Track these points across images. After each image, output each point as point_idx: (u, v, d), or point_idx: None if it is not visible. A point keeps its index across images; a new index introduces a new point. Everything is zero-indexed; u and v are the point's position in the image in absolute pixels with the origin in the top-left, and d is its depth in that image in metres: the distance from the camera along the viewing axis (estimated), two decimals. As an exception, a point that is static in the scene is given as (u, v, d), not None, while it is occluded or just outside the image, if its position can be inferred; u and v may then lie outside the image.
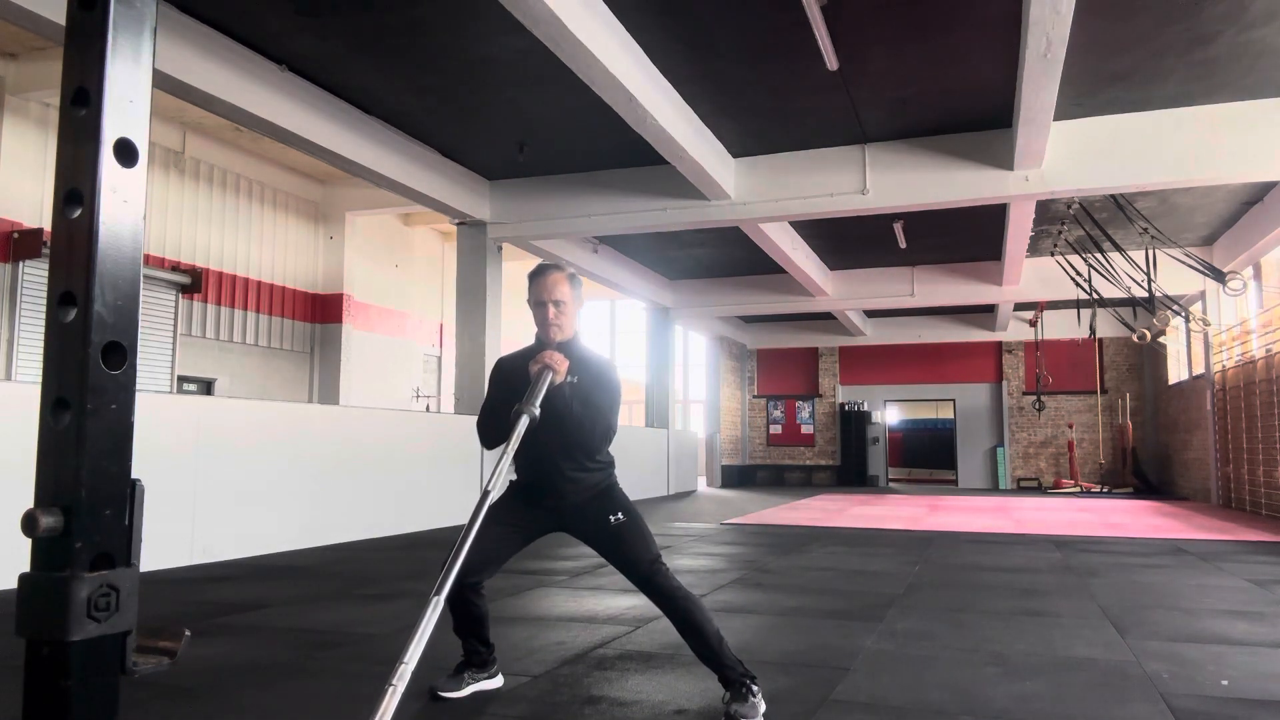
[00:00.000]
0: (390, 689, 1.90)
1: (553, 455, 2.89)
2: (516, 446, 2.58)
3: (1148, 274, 11.31)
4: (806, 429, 21.80)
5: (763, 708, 2.71)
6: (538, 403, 2.64)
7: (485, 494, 2.37)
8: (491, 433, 2.86)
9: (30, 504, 1.14)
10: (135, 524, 1.19)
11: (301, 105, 7.81)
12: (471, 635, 2.97)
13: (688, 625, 2.79)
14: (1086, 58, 7.11)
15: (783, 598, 5.02)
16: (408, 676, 1.93)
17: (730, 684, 2.74)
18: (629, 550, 2.87)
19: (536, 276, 2.97)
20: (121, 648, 1.16)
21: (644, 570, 2.83)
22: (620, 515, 2.90)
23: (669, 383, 16.84)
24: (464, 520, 2.37)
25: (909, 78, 7.69)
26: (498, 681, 3.06)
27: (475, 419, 3.01)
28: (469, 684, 2.98)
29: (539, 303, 2.95)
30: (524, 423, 2.60)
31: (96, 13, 1.18)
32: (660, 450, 15.61)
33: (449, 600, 2.85)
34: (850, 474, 20.83)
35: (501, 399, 2.84)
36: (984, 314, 18.54)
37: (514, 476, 3.03)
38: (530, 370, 2.77)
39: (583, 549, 7.19)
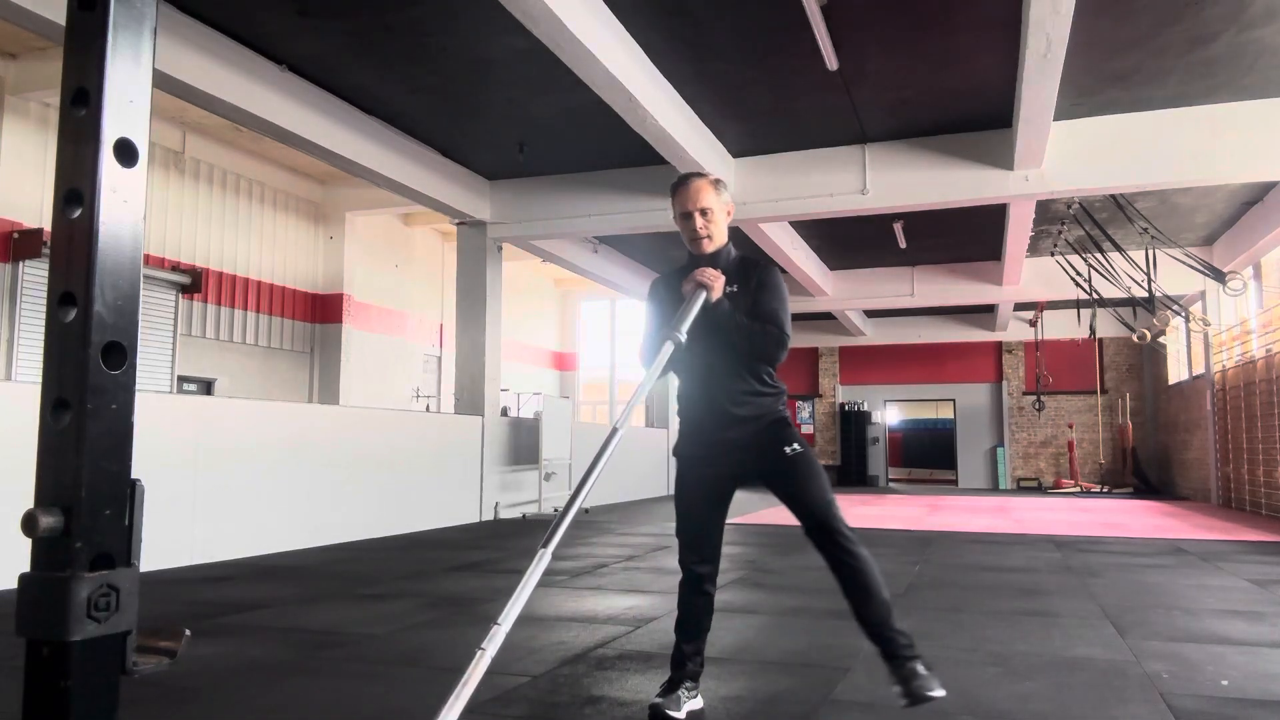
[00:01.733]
0: (480, 652, 1.80)
1: (721, 379, 2.67)
2: (657, 374, 2.43)
3: (1148, 274, 11.31)
4: (806, 429, 21.79)
5: (938, 685, 2.49)
6: (685, 326, 2.47)
7: (614, 431, 2.25)
8: (649, 362, 2.59)
9: (30, 504, 1.14)
10: (135, 524, 1.19)
11: (301, 105, 7.81)
12: (695, 639, 2.74)
13: (855, 585, 2.57)
14: (1086, 58, 7.11)
15: (783, 598, 5.02)
16: (500, 640, 1.83)
17: (894, 658, 2.54)
18: (805, 485, 2.62)
19: (679, 187, 2.77)
20: (121, 648, 1.16)
21: (819, 512, 2.59)
22: (797, 446, 2.66)
23: (669, 383, 16.84)
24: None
25: (909, 78, 7.69)
26: (701, 701, 2.75)
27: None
28: (686, 702, 2.67)
29: (684, 214, 2.75)
30: (668, 349, 2.43)
31: (96, 13, 1.18)
32: (660, 450, 15.60)
33: (680, 600, 2.74)
34: (850, 474, 20.83)
35: (657, 323, 2.68)
36: (984, 314, 18.54)
37: (680, 429, 2.82)
38: (683, 290, 2.60)
39: (581, 549, 7.20)
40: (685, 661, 2.73)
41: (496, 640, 1.82)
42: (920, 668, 2.51)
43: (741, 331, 2.61)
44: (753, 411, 2.70)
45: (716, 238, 2.77)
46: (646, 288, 2.99)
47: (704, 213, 2.74)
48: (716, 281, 2.59)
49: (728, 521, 2.88)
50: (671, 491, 2.95)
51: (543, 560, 1.98)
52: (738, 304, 2.65)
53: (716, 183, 2.78)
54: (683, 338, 2.47)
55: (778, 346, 2.64)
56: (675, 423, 13.16)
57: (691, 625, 2.75)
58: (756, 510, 10.51)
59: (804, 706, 2.89)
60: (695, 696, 2.73)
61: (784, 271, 13.23)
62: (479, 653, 1.79)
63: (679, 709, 2.64)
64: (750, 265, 2.78)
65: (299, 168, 12.78)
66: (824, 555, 2.63)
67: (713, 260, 2.74)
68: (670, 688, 2.69)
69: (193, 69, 6.71)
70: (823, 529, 2.59)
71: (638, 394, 2.39)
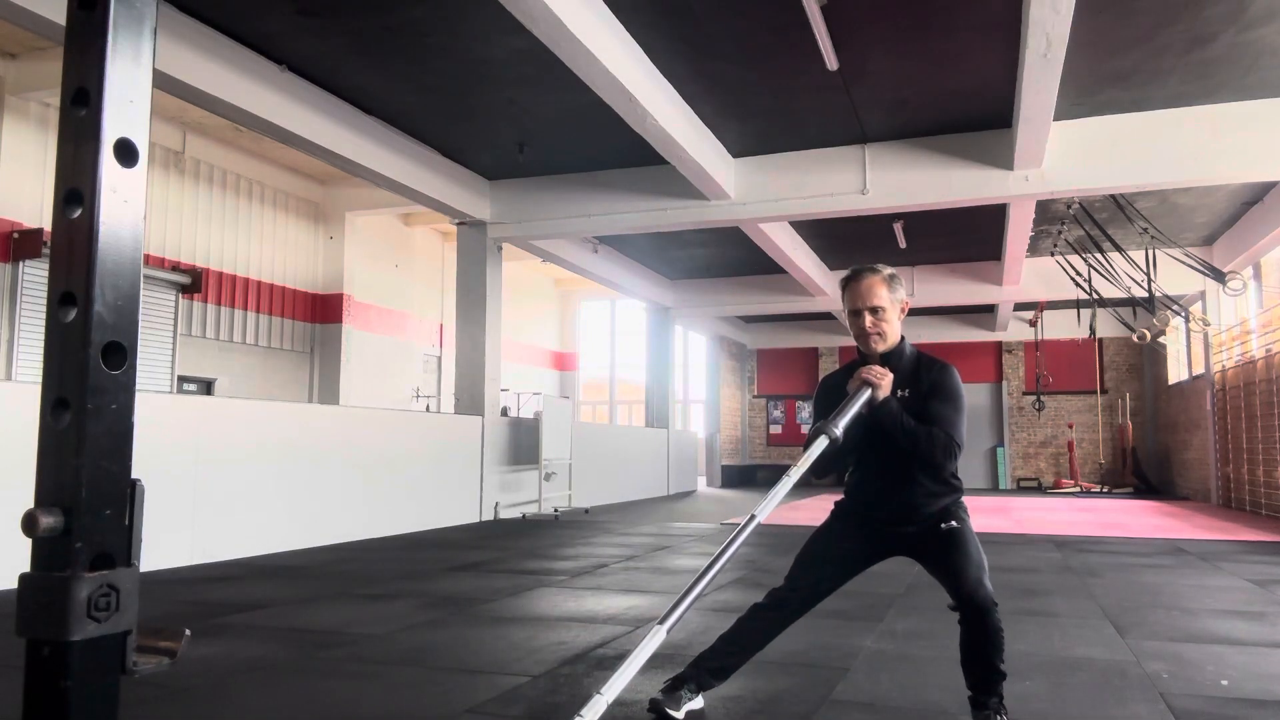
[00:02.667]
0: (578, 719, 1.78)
1: (894, 481, 2.62)
2: (804, 469, 2.36)
3: (1148, 274, 11.30)
4: (807, 429, 21.78)
5: None
6: (843, 422, 2.41)
7: (751, 518, 2.22)
8: (817, 463, 2.51)
9: (30, 504, 1.14)
10: (135, 524, 1.19)
11: (301, 105, 7.81)
12: (743, 653, 2.72)
13: (977, 653, 2.55)
14: (1086, 58, 7.11)
15: (783, 598, 5.01)
16: (601, 709, 1.80)
17: (979, 708, 2.56)
18: (958, 557, 2.56)
19: (850, 282, 2.67)
20: (121, 648, 1.16)
21: (970, 582, 2.53)
22: (954, 523, 2.60)
23: (669, 383, 16.83)
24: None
25: (909, 78, 7.69)
26: (701, 702, 2.77)
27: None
28: (686, 701, 2.67)
29: (854, 311, 2.65)
30: (821, 444, 2.38)
31: (96, 13, 1.18)
32: (660, 450, 15.60)
33: (748, 615, 2.70)
34: (850, 474, 20.80)
35: (820, 417, 2.60)
36: (984, 314, 18.54)
37: (848, 503, 2.81)
38: (848, 387, 2.54)
39: (581, 549, 7.20)
40: (708, 668, 2.71)
41: (598, 710, 1.80)
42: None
43: (907, 434, 2.52)
44: (924, 511, 2.63)
45: (889, 336, 2.66)
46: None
47: (875, 311, 2.63)
48: (884, 380, 2.52)
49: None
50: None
51: (657, 637, 1.94)
52: (909, 407, 2.57)
53: (891, 278, 2.68)
54: (839, 433, 2.40)
55: (945, 455, 2.55)
56: (672, 423, 13.17)
57: (745, 639, 2.71)
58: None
59: (804, 706, 2.89)
60: (696, 698, 2.73)
61: (782, 272, 13.25)
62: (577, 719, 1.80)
63: (679, 708, 2.63)
64: (925, 367, 2.68)
65: (299, 168, 12.78)
66: (967, 621, 2.57)
67: (884, 360, 2.65)
68: (675, 685, 2.68)
69: (193, 69, 6.71)
70: (972, 599, 2.53)
71: (782, 486, 2.30)
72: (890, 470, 2.61)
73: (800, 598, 2.70)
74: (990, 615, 2.51)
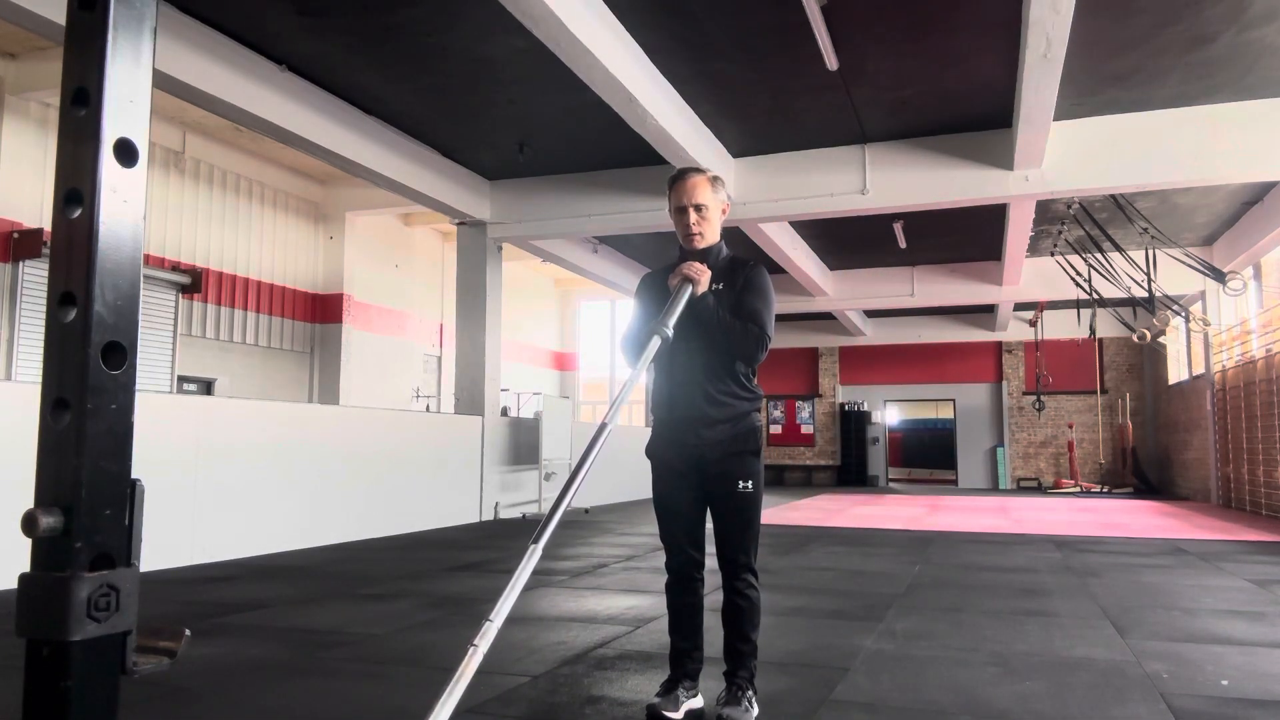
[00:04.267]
0: (472, 649, 1.80)
1: (698, 378, 2.68)
2: (644, 369, 2.43)
3: (1148, 274, 11.30)
4: (806, 429, 21.79)
5: (754, 715, 2.66)
6: (672, 321, 2.47)
7: (603, 426, 2.25)
8: (634, 356, 2.63)
9: (30, 504, 1.14)
10: (135, 524, 1.19)
11: (301, 105, 7.81)
12: (690, 636, 2.75)
13: (735, 626, 2.71)
14: (1086, 58, 7.11)
15: (783, 598, 5.02)
16: (492, 636, 1.83)
17: (732, 686, 2.70)
18: (736, 524, 2.69)
19: (676, 180, 2.78)
20: (121, 648, 1.16)
21: (735, 550, 2.68)
22: (749, 485, 2.69)
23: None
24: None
25: (909, 78, 7.69)
26: (701, 701, 2.77)
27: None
28: (685, 700, 2.69)
29: (679, 208, 2.76)
30: (655, 343, 2.43)
31: (96, 13, 1.18)
32: (660, 450, 15.57)
33: (670, 601, 2.76)
34: (850, 474, 20.82)
35: (644, 318, 2.70)
36: (984, 314, 18.54)
37: (655, 430, 2.83)
38: (669, 284, 2.61)
39: (581, 549, 7.20)
40: (684, 660, 2.75)
41: (489, 636, 1.82)
42: (747, 703, 2.65)
43: (723, 327, 2.62)
44: (727, 414, 2.70)
45: (709, 235, 2.78)
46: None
47: (699, 208, 2.75)
48: (703, 275, 2.61)
49: None
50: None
51: (534, 556, 1.98)
52: (723, 301, 2.66)
53: (714, 180, 2.79)
54: (669, 332, 2.47)
55: (757, 346, 2.65)
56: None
57: (685, 624, 2.77)
58: (756, 510, 10.53)
59: (804, 706, 2.89)
60: (695, 695, 2.74)
61: (781, 271, 13.25)
62: (471, 649, 1.79)
63: (677, 709, 2.64)
64: (739, 264, 2.79)
65: (299, 168, 12.78)
66: (725, 584, 2.73)
67: (702, 256, 2.75)
68: (669, 687, 2.70)
69: (193, 69, 6.71)
70: (733, 567, 2.71)
71: (625, 390, 2.38)
72: (693, 368, 2.68)
73: (685, 555, 2.76)
74: (749, 585, 2.70)
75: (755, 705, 2.68)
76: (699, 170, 2.81)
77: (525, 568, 1.95)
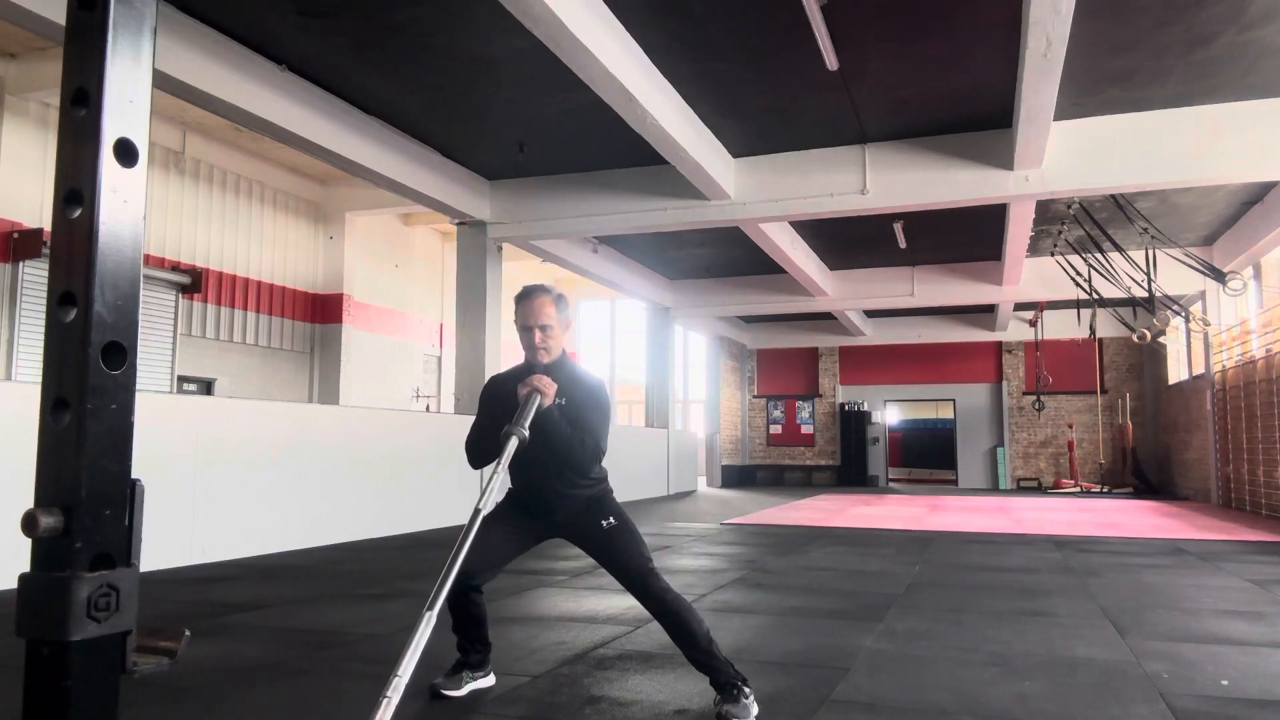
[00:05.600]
0: (385, 700, 1.91)
1: (545, 474, 2.93)
2: (506, 466, 2.61)
3: (1148, 274, 11.30)
4: (806, 429, 21.80)
5: (755, 709, 2.71)
6: (526, 424, 2.66)
7: (477, 512, 2.38)
8: (480, 452, 2.90)
9: (30, 504, 1.14)
10: (135, 524, 1.19)
11: (301, 105, 7.81)
12: (471, 636, 2.99)
13: (679, 630, 2.83)
14: (1086, 58, 7.11)
15: (783, 598, 5.02)
16: (402, 689, 1.95)
17: (721, 686, 2.76)
18: (621, 553, 2.92)
19: (522, 300, 2.98)
20: (121, 648, 1.16)
21: (637, 574, 2.87)
22: (611, 520, 2.95)
23: (669, 383, 16.83)
24: (463, 520, 2.36)
25: (909, 78, 7.69)
26: (491, 680, 3.10)
27: (475, 418, 3.01)
28: (468, 682, 3.01)
29: (525, 328, 2.95)
30: (513, 444, 2.62)
31: (96, 13, 1.18)
32: (660, 450, 15.60)
33: (449, 601, 2.89)
34: (850, 474, 20.83)
35: (491, 419, 2.89)
36: (984, 314, 18.54)
37: (509, 485, 3.08)
38: (519, 393, 2.78)
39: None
40: (470, 651, 3.00)
41: (399, 689, 1.94)
42: (744, 699, 2.72)
43: (564, 441, 2.85)
44: (573, 501, 2.98)
45: (553, 350, 2.97)
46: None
47: (544, 329, 2.93)
48: (550, 389, 2.79)
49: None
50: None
51: (429, 623, 2.08)
52: (565, 416, 2.88)
53: (559, 299, 2.98)
54: (526, 433, 2.65)
55: (593, 459, 2.94)
56: (673, 423, 13.20)
57: (471, 625, 2.97)
58: (757, 510, 10.52)
59: (804, 706, 2.89)
60: (486, 676, 3.06)
61: (780, 271, 13.25)
62: (384, 700, 1.91)
63: (460, 688, 2.96)
64: (580, 381, 3.00)
65: (299, 168, 12.78)
66: (648, 608, 2.89)
67: (547, 370, 2.93)
68: (455, 670, 2.99)
69: (193, 69, 6.71)
70: (642, 587, 2.87)
71: (492, 481, 2.48)
72: (541, 466, 2.91)
73: (479, 577, 2.92)
74: (667, 595, 2.84)
75: (751, 696, 2.74)
76: (544, 289, 2.99)
77: (423, 635, 2.05)
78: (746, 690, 2.74)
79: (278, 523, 7.02)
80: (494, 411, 2.91)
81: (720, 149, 9.27)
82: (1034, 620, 4.39)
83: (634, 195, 10.22)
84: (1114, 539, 8.63)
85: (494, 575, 3.01)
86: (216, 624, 4.15)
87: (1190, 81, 7.65)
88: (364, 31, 6.95)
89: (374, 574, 5.89)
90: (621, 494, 3.17)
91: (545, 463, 2.89)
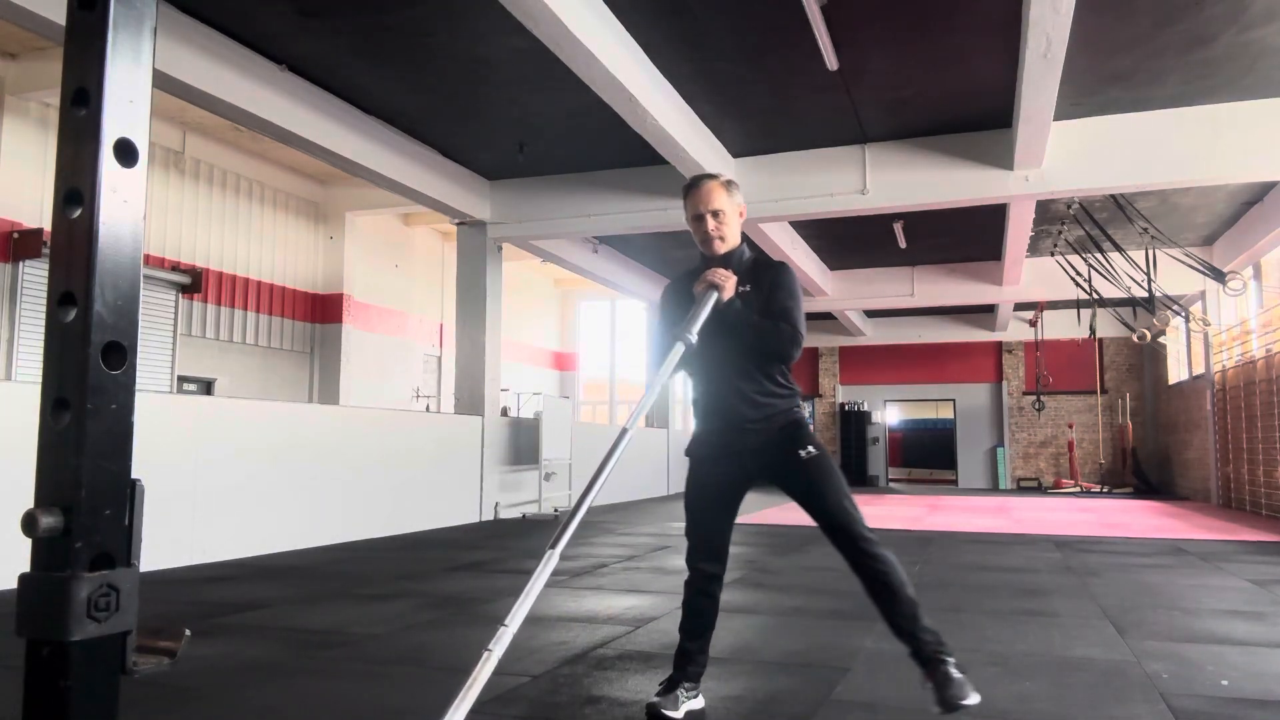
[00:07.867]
0: (487, 654, 1.80)
1: (733, 380, 2.66)
2: (667, 375, 2.42)
3: (1148, 274, 11.30)
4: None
5: (970, 687, 2.47)
6: (696, 327, 2.46)
7: (624, 431, 2.24)
8: (661, 361, 2.58)
9: (30, 504, 1.14)
10: (135, 524, 1.19)
11: (301, 105, 7.81)
12: (699, 638, 2.73)
13: (880, 585, 2.54)
14: (1086, 58, 7.11)
15: (783, 598, 5.02)
16: (507, 641, 1.83)
17: (927, 661, 2.52)
18: (822, 489, 2.61)
19: (691, 189, 2.76)
20: (121, 648, 1.16)
21: (837, 514, 2.58)
22: (811, 449, 2.64)
23: (669, 383, 16.81)
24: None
25: (909, 78, 7.69)
26: (701, 702, 2.75)
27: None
28: (684, 701, 2.65)
29: (696, 216, 2.74)
30: (678, 349, 2.42)
31: (96, 13, 1.18)
32: (660, 450, 15.59)
33: (686, 600, 2.72)
34: (850, 474, 20.68)
35: (669, 326, 2.68)
36: (984, 314, 18.54)
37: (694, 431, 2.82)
38: (694, 291, 2.60)
39: (581, 549, 7.19)
40: (688, 662, 2.72)
41: (504, 642, 1.83)
42: (953, 671, 2.49)
43: (754, 330, 2.61)
44: (766, 413, 2.68)
45: (729, 239, 2.76)
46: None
47: (716, 214, 2.73)
48: (728, 281, 2.59)
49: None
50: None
51: (551, 561, 1.98)
52: (750, 304, 2.63)
53: (729, 184, 2.77)
54: (693, 338, 2.46)
55: (791, 344, 2.64)
56: (673, 423, 13.21)
57: (696, 625, 2.74)
58: (757, 510, 10.51)
59: (804, 706, 2.89)
60: (696, 696, 2.72)
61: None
62: (485, 654, 1.80)
63: (676, 709, 2.62)
64: (764, 266, 2.77)
65: (299, 168, 12.78)
66: (845, 557, 2.61)
67: (725, 261, 2.73)
68: (669, 687, 2.68)
69: (193, 69, 6.71)
70: (842, 532, 2.59)
71: (648, 395, 2.37)
72: (727, 372, 2.66)
73: (708, 555, 2.72)
74: (865, 539, 2.55)
75: (958, 670, 2.50)
76: (712, 176, 2.79)
77: (543, 573, 1.95)
78: (953, 663, 2.49)
79: (277, 523, 7.02)
80: (675, 318, 2.65)
81: (720, 149, 9.27)
82: (1034, 620, 4.39)
83: (634, 195, 10.22)
84: (1114, 539, 8.63)
85: (726, 555, 2.73)
86: (216, 624, 4.15)
87: (1190, 81, 7.65)
88: (364, 31, 6.95)
89: (374, 574, 5.89)
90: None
91: (732, 367, 2.63)
